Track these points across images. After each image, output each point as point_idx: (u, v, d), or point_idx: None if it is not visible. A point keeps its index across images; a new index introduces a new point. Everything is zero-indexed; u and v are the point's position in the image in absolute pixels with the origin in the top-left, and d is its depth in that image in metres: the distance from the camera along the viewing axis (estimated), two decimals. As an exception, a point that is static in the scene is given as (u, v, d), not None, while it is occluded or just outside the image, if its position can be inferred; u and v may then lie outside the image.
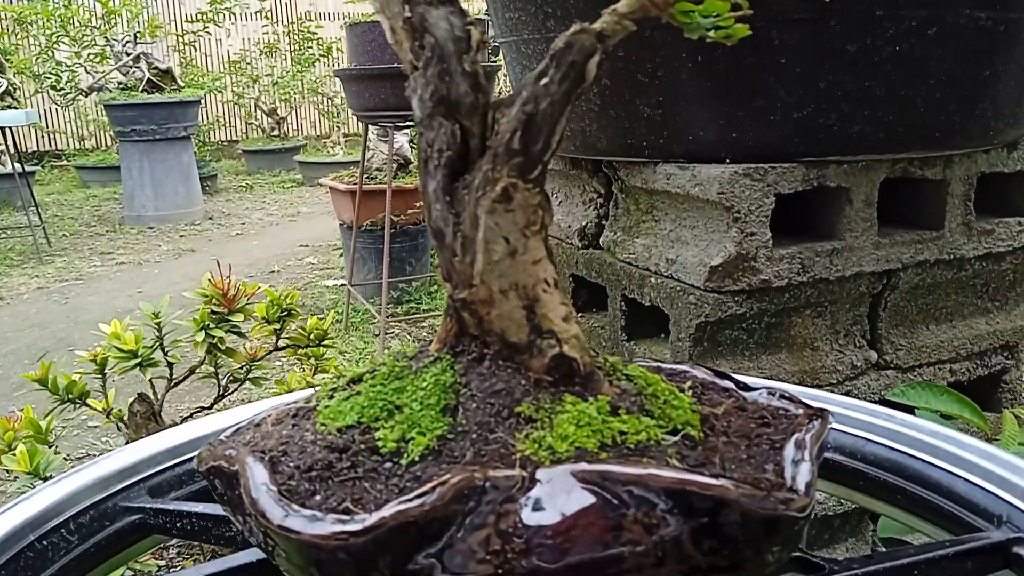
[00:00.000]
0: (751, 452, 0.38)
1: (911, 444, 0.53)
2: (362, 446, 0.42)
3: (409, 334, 3.50)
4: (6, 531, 0.49)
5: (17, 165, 5.28)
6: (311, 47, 8.76)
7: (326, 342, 1.44)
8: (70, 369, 1.35)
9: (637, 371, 0.44)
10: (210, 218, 6.37)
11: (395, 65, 2.88)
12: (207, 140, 9.01)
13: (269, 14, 9.40)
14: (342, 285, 4.00)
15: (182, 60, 8.43)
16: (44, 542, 0.50)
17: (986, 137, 1.15)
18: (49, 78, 6.57)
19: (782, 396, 0.43)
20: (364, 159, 3.51)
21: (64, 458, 1.40)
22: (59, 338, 3.58)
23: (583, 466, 0.34)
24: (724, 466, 0.37)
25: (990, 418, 1.10)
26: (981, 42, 1.04)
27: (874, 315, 1.22)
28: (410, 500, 0.33)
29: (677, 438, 0.38)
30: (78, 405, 1.34)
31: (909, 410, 1.07)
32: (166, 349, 1.29)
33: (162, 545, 1.51)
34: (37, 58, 6.78)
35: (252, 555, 0.48)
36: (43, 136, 9.31)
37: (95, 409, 1.35)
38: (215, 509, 0.51)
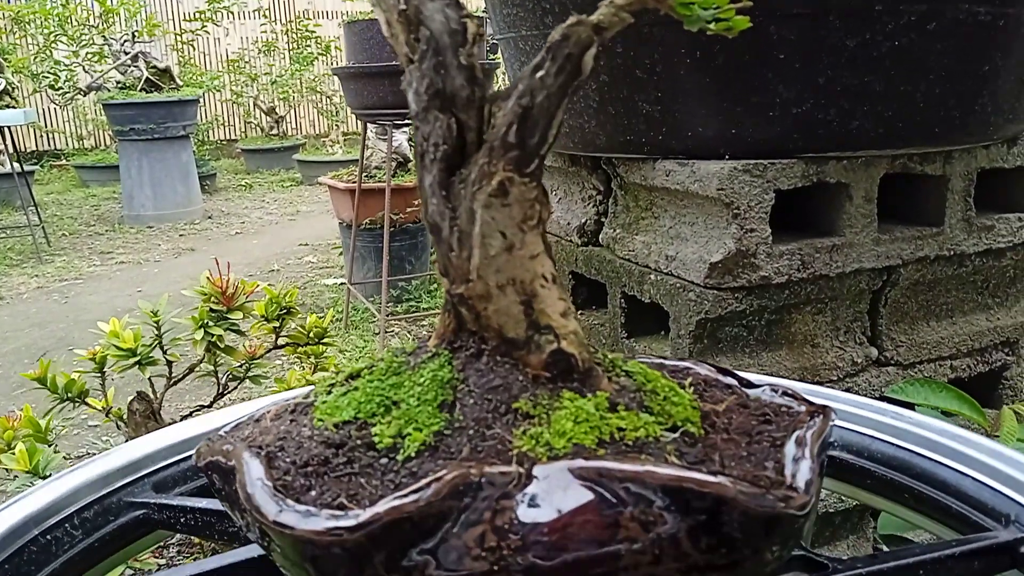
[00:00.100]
0: (752, 449, 0.37)
1: (918, 442, 0.52)
2: (358, 442, 0.42)
3: (409, 332, 3.49)
4: (9, 526, 0.49)
5: (16, 165, 5.28)
6: (309, 45, 8.76)
7: (325, 340, 1.44)
8: (70, 368, 1.35)
9: (637, 367, 0.43)
10: (209, 217, 6.36)
11: (393, 63, 2.87)
12: (206, 139, 9.01)
13: (267, 13, 9.40)
14: (342, 284, 4.00)
15: (180, 59, 8.42)
16: (48, 537, 0.50)
17: (986, 133, 1.15)
18: (47, 77, 6.57)
19: (785, 393, 0.42)
20: (363, 157, 3.51)
21: (64, 457, 1.40)
22: (59, 337, 3.58)
23: (580, 463, 0.34)
24: (723, 463, 0.36)
25: (990, 415, 1.09)
26: (980, 37, 1.04)
27: (874, 311, 1.22)
28: (405, 496, 0.33)
29: (676, 435, 0.38)
30: (77, 404, 1.33)
31: (908, 407, 1.07)
32: (165, 347, 1.29)
33: (161, 544, 1.50)
34: (35, 57, 6.77)
35: (254, 551, 0.48)
36: (42, 136, 9.31)
37: (94, 408, 1.34)
38: (219, 505, 0.51)
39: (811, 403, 0.41)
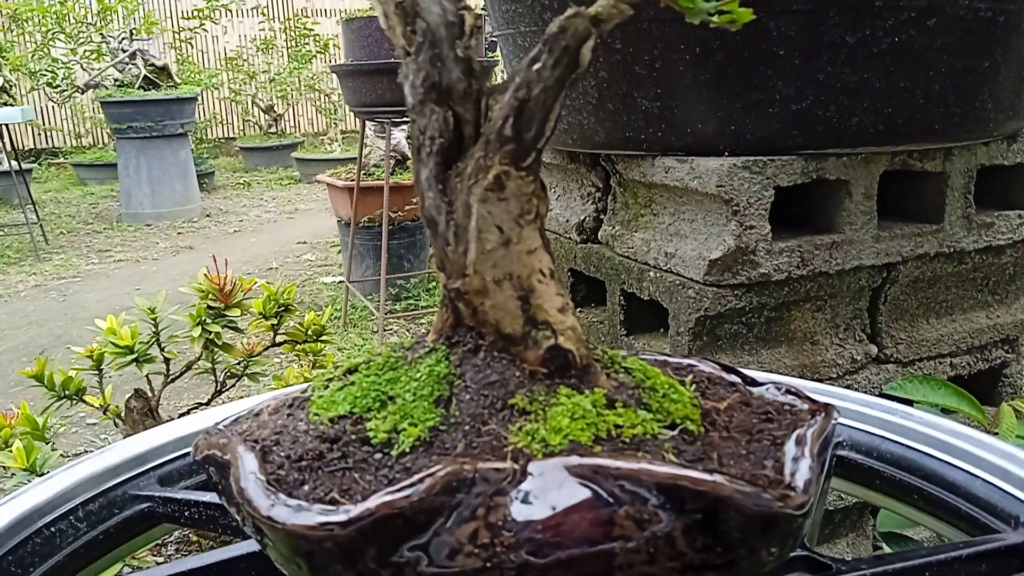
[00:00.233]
0: (751, 448, 0.37)
1: (928, 442, 0.51)
2: (353, 436, 0.41)
3: (408, 331, 3.49)
4: (13, 517, 0.49)
5: (14, 163, 5.27)
6: (308, 43, 8.75)
7: (324, 338, 1.44)
8: (67, 366, 1.35)
9: (636, 364, 0.43)
10: (208, 215, 6.36)
11: (392, 60, 2.87)
12: (204, 137, 9.01)
13: (266, 10, 9.38)
14: (340, 282, 3.99)
15: (178, 57, 8.41)
16: (52, 529, 0.50)
17: (986, 129, 1.14)
18: (45, 75, 6.55)
19: (788, 391, 0.42)
20: (361, 155, 3.51)
21: (61, 455, 1.40)
22: (57, 335, 3.57)
23: (576, 459, 0.34)
24: (722, 461, 0.36)
25: (990, 412, 1.09)
26: (981, 33, 1.04)
27: (874, 309, 1.22)
28: (396, 491, 0.33)
29: (675, 432, 0.38)
30: (75, 401, 1.33)
31: (908, 403, 1.07)
32: (162, 345, 1.28)
33: (159, 542, 1.50)
34: (33, 55, 6.76)
35: (255, 545, 0.47)
36: (40, 133, 9.29)
37: (92, 405, 1.34)
38: (223, 498, 0.51)
39: (814, 401, 0.40)
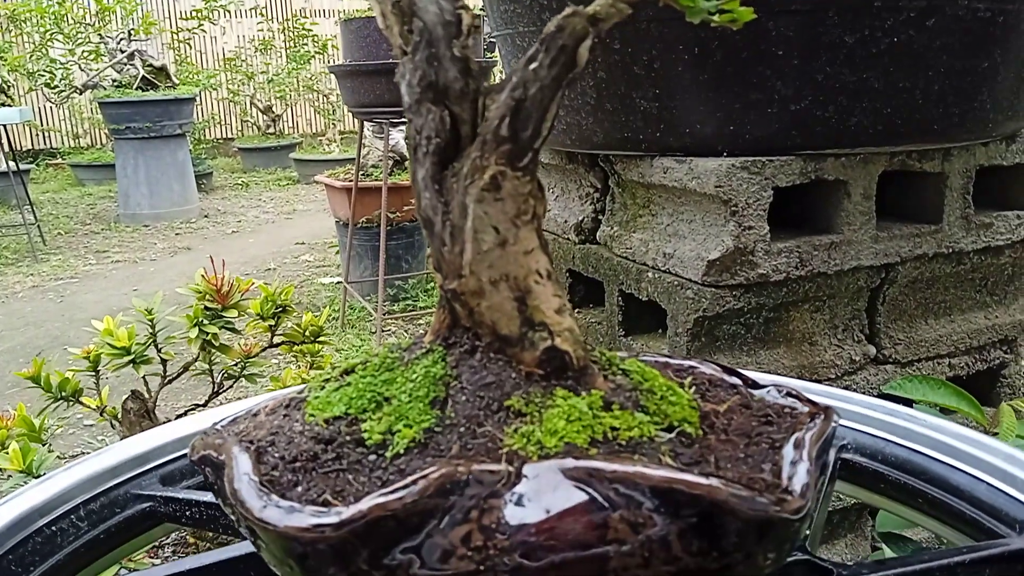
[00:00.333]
0: (749, 451, 0.37)
1: (932, 445, 0.51)
2: (348, 438, 0.41)
3: (406, 331, 3.49)
4: (14, 516, 0.49)
5: (12, 163, 5.26)
6: (306, 44, 8.74)
7: (321, 339, 1.43)
8: (65, 367, 1.34)
9: (634, 366, 0.43)
10: (206, 216, 6.35)
11: (390, 61, 2.86)
12: (202, 138, 9.00)
13: (264, 11, 9.38)
14: (338, 283, 3.99)
15: (177, 57, 8.40)
16: (53, 527, 0.50)
17: (985, 130, 1.14)
18: (43, 76, 6.55)
19: (789, 394, 0.41)
20: (360, 156, 3.50)
21: (58, 457, 1.39)
22: (54, 336, 3.57)
23: (571, 462, 0.33)
24: (719, 465, 0.35)
25: (988, 412, 1.09)
26: (980, 33, 1.03)
27: (872, 309, 1.21)
28: (389, 493, 0.33)
29: (672, 435, 0.37)
30: (71, 403, 1.33)
31: (907, 403, 1.06)
32: (159, 346, 1.28)
33: (156, 544, 1.50)
34: (31, 55, 6.75)
35: (252, 545, 0.47)
36: (38, 134, 9.29)
37: (88, 407, 1.34)
38: (223, 498, 0.51)
39: (814, 404, 0.40)
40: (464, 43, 0.41)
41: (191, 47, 8.72)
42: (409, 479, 0.34)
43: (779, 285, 1.10)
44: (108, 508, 0.53)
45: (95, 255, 5.16)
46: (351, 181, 3.52)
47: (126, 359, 1.19)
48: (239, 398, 2.67)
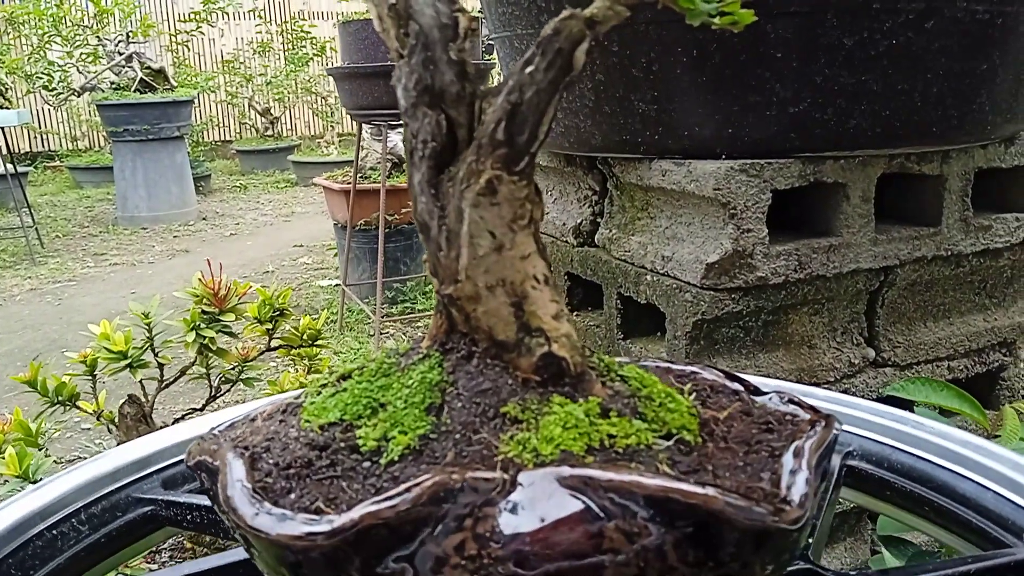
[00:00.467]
0: (748, 459, 0.36)
1: (939, 453, 0.51)
2: (342, 444, 0.41)
3: (404, 334, 3.48)
4: (15, 520, 0.49)
5: (9, 166, 5.26)
6: (304, 46, 8.74)
7: (319, 342, 1.43)
8: (62, 370, 1.34)
9: (633, 372, 0.42)
10: (204, 218, 6.35)
11: (388, 63, 2.86)
12: (201, 140, 8.99)
13: (262, 13, 9.37)
14: (337, 285, 3.98)
15: (175, 60, 8.40)
16: (54, 531, 0.50)
17: (983, 132, 1.14)
18: (41, 78, 6.54)
19: (791, 400, 0.41)
20: (358, 158, 3.50)
21: (55, 461, 1.39)
22: (52, 340, 3.56)
23: (566, 470, 0.33)
24: (717, 473, 0.35)
25: (989, 415, 1.08)
26: (978, 36, 1.03)
27: (872, 312, 1.21)
28: (381, 501, 0.32)
29: (670, 443, 0.37)
30: (68, 407, 1.32)
31: (908, 404, 1.06)
32: (156, 350, 1.27)
33: (154, 549, 1.49)
34: (29, 58, 6.75)
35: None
36: (35, 136, 9.28)
37: (85, 411, 1.33)
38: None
39: (816, 411, 0.39)
40: (461, 46, 0.40)
41: (189, 49, 8.72)
42: (402, 487, 0.34)
43: (778, 288, 1.10)
44: (109, 512, 0.53)
45: (93, 258, 5.15)
46: (349, 183, 3.52)
47: (123, 364, 1.19)
48: (237, 401, 2.66)
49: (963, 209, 1.18)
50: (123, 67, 6.07)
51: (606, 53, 1.08)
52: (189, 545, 1.28)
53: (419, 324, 3.56)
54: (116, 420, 1.28)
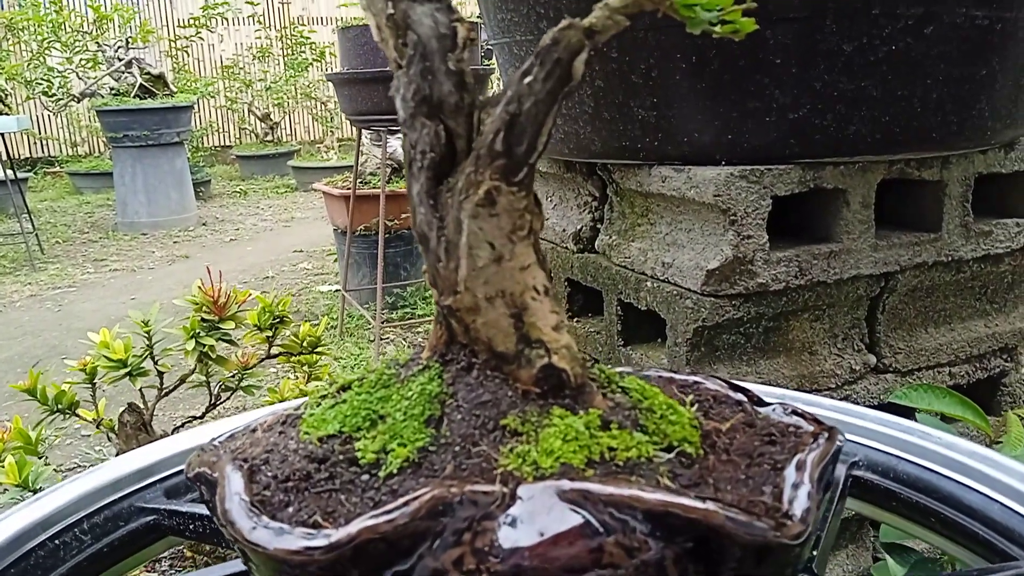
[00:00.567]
0: (751, 472, 0.36)
1: (946, 464, 0.50)
2: (341, 457, 0.41)
3: (404, 339, 3.48)
4: (17, 529, 0.49)
5: (9, 172, 5.26)
6: (304, 51, 8.75)
7: (319, 349, 1.43)
8: (62, 377, 1.33)
9: (634, 383, 0.42)
10: (204, 224, 6.35)
11: (387, 69, 2.86)
12: (200, 145, 8.99)
13: (262, 19, 9.38)
14: (337, 290, 3.98)
15: (174, 65, 8.41)
16: (56, 541, 0.49)
17: (983, 138, 1.14)
18: (41, 84, 6.55)
19: (794, 412, 0.41)
20: (358, 164, 3.50)
21: (55, 469, 1.38)
22: (52, 346, 3.56)
23: (566, 484, 0.33)
24: (718, 487, 0.35)
25: (992, 421, 1.08)
26: (978, 41, 1.03)
27: (872, 318, 1.21)
28: (379, 515, 0.32)
29: (671, 455, 0.37)
30: (68, 415, 1.32)
31: (911, 411, 1.06)
32: (156, 358, 1.27)
33: (154, 559, 1.48)
34: (28, 64, 6.76)
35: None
36: (35, 142, 9.28)
37: (85, 419, 1.33)
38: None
39: (819, 423, 0.39)
40: (459, 56, 0.40)
41: (189, 55, 8.73)
42: (400, 500, 0.34)
43: (779, 294, 1.10)
44: (112, 521, 0.53)
45: (93, 264, 5.15)
46: (349, 189, 3.52)
47: (122, 372, 1.19)
48: (237, 407, 2.66)
49: (963, 214, 1.18)
50: (123, 73, 6.07)
51: (605, 59, 1.08)
52: (189, 553, 1.28)
53: (419, 329, 3.56)
54: (116, 428, 1.28)
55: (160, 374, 1.26)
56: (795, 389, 1.14)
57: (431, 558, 0.32)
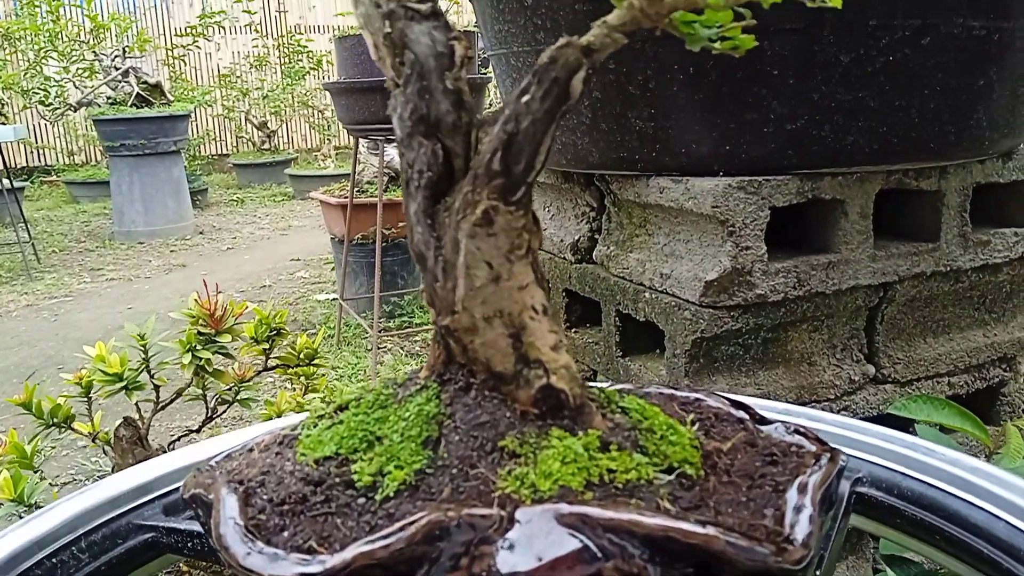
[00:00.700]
0: (752, 494, 0.36)
1: (950, 481, 0.50)
2: (337, 479, 0.40)
3: (402, 348, 3.47)
4: (13, 549, 0.48)
5: (5, 181, 5.25)
6: (301, 60, 8.76)
7: (316, 361, 1.42)
8: (59, 388, 1.33)
9: (634, 403, 0.42)
10: (201, 232, 6.34)
11: (384, 78, 2.85)
12: (197, 154, 9.00)
13: (259, 27, 9.39)
14: (334, 299, 3.98)
15: (171, 74, 8.41)
16: (53, 560, 0.49)
17: (981, 147, 1.13)
18: (37, 93, 6.54)
19: (797, 431, 0.40)
20: (355, 172, 3.50)
21: (50, 484, 1.38)
22: (48, 356, 3.55)
23: (565, 507, 0.32)
24: (719, 510, 0.34)
25: (990, 432, 1.08)
26: (975, 51, 1.03)
27: (871, 329, 1.21)
28: (375, 541, 0.32)
29: (672, 477, 0.36)
30: (63, 429, 1.31)
31: (910, 423, 1.05)
32: (152, 371, 1.26)
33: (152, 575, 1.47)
34: (25, 73, 6.75)
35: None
36: (32, 152, 9.28)
37: (80, 433, 1.32)
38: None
39: (821, 443, 0.39)
40: (457, 75, 0.40)
41: (186, 63, 8.74)
42: (396, 525, 0.33)
43: (777, 305, 1.09)
44: (110, 539, 0.52)
45: (90, 273, 5.14)
46: (346, 197, 3.52)
47: (118, 386, 1.18)
48: (235, 417, 2.65)
49: (961, 224, 1.18)
50: (119, 82, 6.07)
51: (603, 70, 1.08)
52: (185, 568, 1.27)
53: (416, 338, 3.55)
54: (112, 442, 1.27)
55: (156, 388, 1.25)
56: (794, 400, 1.13)
57: (429, 584, 0.32)
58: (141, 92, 6.04)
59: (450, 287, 0.40)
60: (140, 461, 1.20)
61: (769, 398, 1.13)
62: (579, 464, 0.36)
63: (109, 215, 6.61)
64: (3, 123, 5.69)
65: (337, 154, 8.38)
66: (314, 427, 0.46)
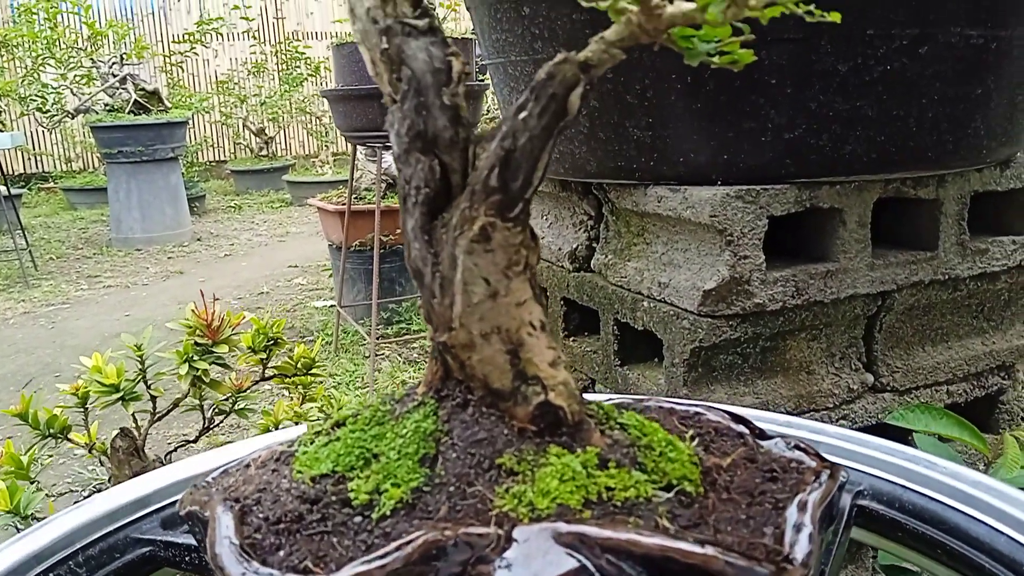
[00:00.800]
0: (752, 512, 0.35)
1: (951, 494, 0.50)
2: (334, 497, 0.40)
3: (399, 355, 3.47)
4: (11, 563, 0.48)
5: (3, 188, 5.25)
6: (299, 66, 8.76)
7: (314, 370, 1.41)
8: (55, 397, 1.32)
9: (633, 419, 0.41)
10: (198, 239, 6.33)
11: (382, 85, 2.85)
12: (195, 161, 8.99)
13: (257, 34, 9.39)
14: (331, 306, 3.97)
15: (169, 81, 8.41)
16: (51, 574, 0.49)
17: (979, 156, 1.14)
18: (35, 100, 6.54)
19: (797, 446, 0.40)
20: (352, 179, 3.49)
21: (47, 495, 1.37)
22: (45, 364, 3.54)
23: (563, 526, 0.32)
24: (718, 528, 0.34)
25: (989, 440, 1.07)
26: (973, 60, 1.03)
27: (869, 337, 1.20)
28: (371, 561, 0.32)
29: (671, 494, 0.36)
30: (60, 440, 1.30)
31: (908, 433, 1.05)
32: (149, 382, 1.26)
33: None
34: (23, 80, 6.75)
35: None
36: (29, 158, 9.27)
37: (77, 443, 1.31)
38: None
39: (822, 459, 0.39)
40: (454, 91, 0.40)
41: (183, 70, 8.72)
42: (392, 544, 0.33)
43: (775, 314, 1.09)
44: (107, 553, 0.52)
45: (87, 280, 5.13)
46: (344, 204, 3.51)
47: (115, 397, 1.17)
48: (232, 426, 2.65)
49: (960, 233, 1.18)
50: (117, 89, 6.07)
51: (601, 79, 1.08)
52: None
53: (414, 345, 3.55)
54: (108, 453, 1.27)
55: (153, 398, 1.25)
56: (793, 408, 1.13)
57: (425, 605, 0.31)
58: (139, 99, 6.03)
59: (447, 303, 0.40)
60: (137, 472, 1.20)
61: (768, 407, 1.12)
62: (577, 482, 0.36)
63: (106, 222, 6.61)
64: (1, 130, 5.69)
65: (335, 160, 8.38)
66: (311, 444, 0.46)
